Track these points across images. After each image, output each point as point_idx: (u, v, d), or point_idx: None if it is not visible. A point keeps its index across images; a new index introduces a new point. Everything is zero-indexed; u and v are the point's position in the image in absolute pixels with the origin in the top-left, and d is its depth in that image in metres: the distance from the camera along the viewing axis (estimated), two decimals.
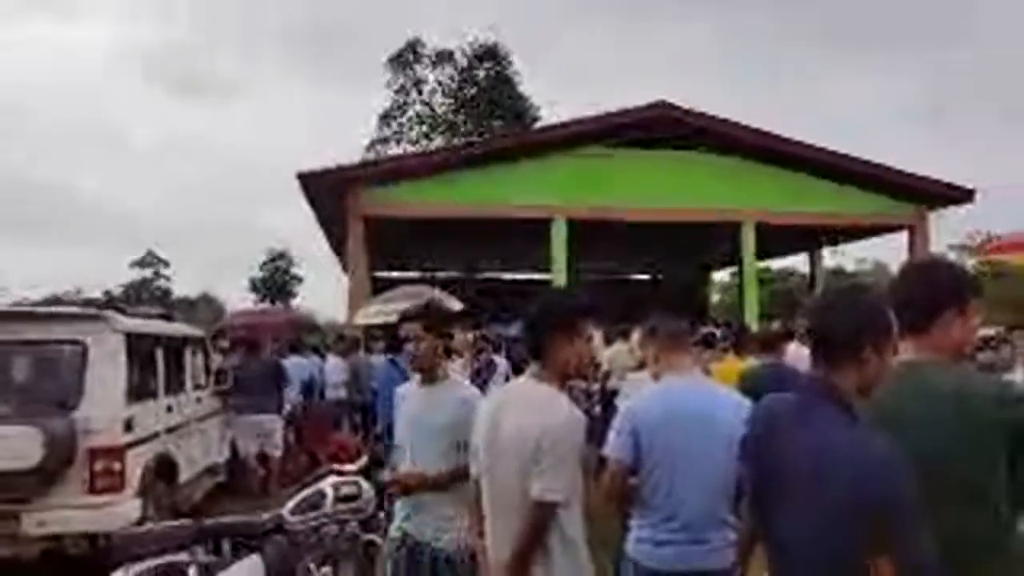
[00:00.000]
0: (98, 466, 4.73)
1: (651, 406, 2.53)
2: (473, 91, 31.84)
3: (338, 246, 16.99)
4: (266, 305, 38.02)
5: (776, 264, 29.48)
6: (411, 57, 31.80)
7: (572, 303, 2.23)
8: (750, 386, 3.19)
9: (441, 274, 20.83)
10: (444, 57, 32.06)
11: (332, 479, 3.77)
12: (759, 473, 1.75)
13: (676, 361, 2.70)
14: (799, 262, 25.18)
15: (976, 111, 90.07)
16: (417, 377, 2.98)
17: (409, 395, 2.98)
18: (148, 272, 48.99)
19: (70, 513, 4.64)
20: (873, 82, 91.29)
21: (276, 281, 44.06)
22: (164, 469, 5.52)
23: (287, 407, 8.00)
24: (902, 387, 1.74)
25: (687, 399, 2.52)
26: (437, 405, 2.82)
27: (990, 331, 10.02)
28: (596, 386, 10.27)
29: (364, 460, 3.97)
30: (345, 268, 14.90)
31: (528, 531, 2.02)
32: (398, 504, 2.96)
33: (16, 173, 73.68)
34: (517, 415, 2.13)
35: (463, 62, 32.17)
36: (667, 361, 2.72)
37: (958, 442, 1.65)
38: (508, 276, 22.87)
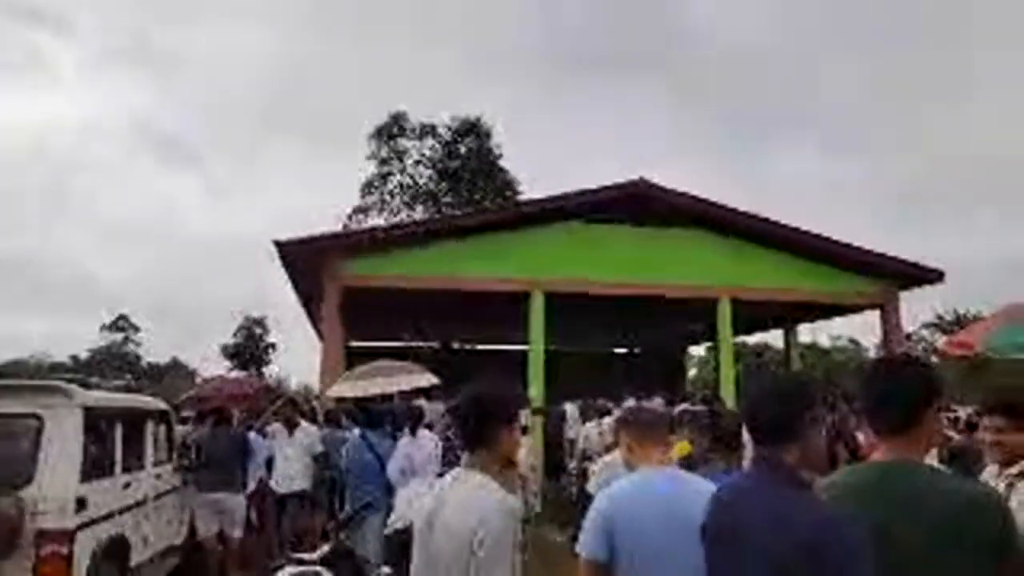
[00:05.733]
0: (45, 550, 4.45)
1: (625, 501, 2.42)
2: (455, 164, 32.41)
3: (314, 314, 16.81)
4: (238, 373, 37.34)
5: (752, 339, 29.69)
6: (395, 130, 32.43)
7: (514, 396, 2.36)
8: None
9: (417, 345, 20.64)
10: (427, 131, 32.75)
11: (291, 569, 3.59)
12: None
13: (652, 452, 2.62)
14: (773, 337, 25.38)
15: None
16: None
17: None
18: (118, 336, 48.08)
19: None
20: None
21: (249, 348, 43.39)
22: (116, 551, 5.22)
23: (251, 483, 7.68)
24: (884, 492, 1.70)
25: (663, 494, 2.41)
26: None
27: (961, 412, 10.08)
28: (573, 464, 10.08)
29: (326, 548, 3.79)
30: (320, 337, 14.70)
31: None
32: None
33: None
34: (453, 514, 2.13)
35: (446, 136, 32.87)
36: (642, 452, 2.64)
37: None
38: (485, 347, 22.72)
